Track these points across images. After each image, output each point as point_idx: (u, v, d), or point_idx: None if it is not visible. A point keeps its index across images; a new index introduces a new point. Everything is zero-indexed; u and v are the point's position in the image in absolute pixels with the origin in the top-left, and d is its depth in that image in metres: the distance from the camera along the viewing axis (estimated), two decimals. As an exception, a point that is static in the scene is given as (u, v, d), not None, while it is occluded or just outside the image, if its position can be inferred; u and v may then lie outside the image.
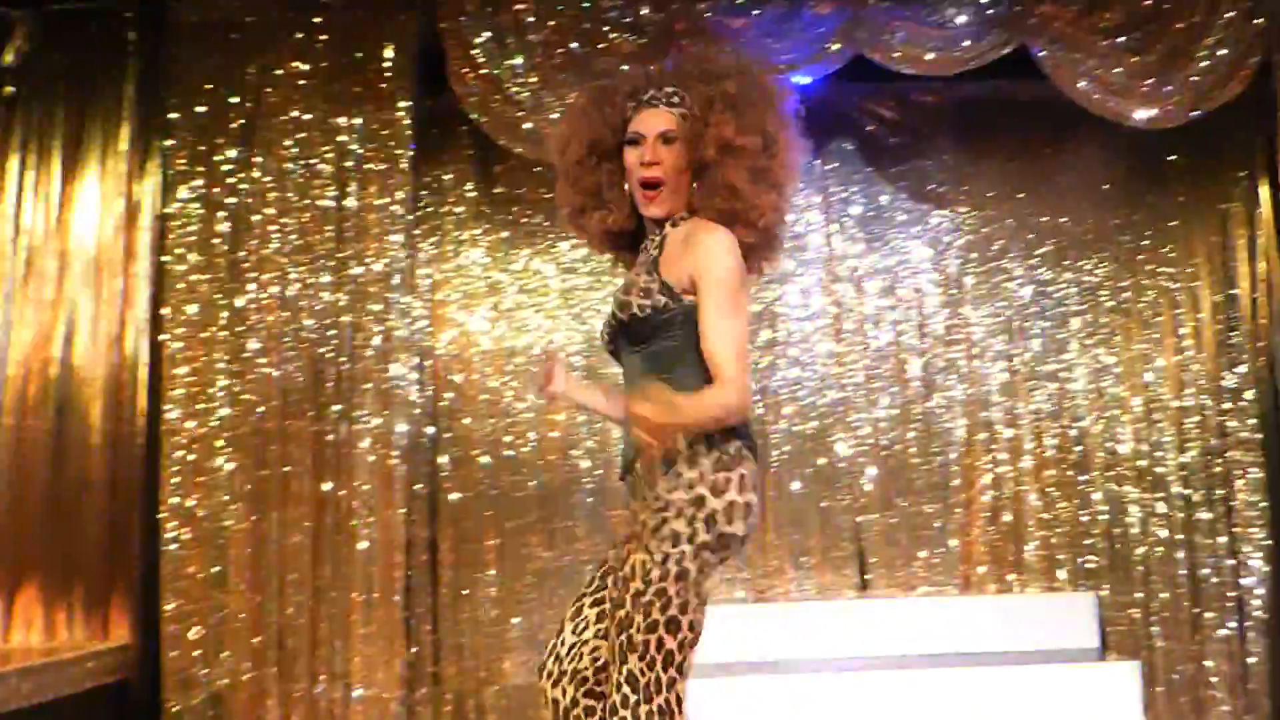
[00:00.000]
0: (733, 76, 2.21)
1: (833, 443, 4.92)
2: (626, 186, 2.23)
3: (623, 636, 2.02)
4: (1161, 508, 4.83)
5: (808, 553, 4.86)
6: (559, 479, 4.86)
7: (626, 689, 1.99)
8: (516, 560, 4.79)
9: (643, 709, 1.98)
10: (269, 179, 4.37)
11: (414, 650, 4.51)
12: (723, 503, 2.03)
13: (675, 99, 2.20)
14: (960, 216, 5.04)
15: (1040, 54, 4.32)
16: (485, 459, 4.83)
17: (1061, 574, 4.86)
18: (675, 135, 2.18)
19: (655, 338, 2.13)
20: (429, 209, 4.90)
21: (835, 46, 4.37)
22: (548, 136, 2.60)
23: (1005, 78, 4.59)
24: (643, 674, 1.98)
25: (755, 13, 4.38)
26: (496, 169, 4.97)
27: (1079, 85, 4.34)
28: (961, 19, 4.36)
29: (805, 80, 4.56)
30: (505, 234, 5.00)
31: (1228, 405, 4.82)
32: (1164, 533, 4.81)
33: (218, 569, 4.19)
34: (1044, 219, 5.06)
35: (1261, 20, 4.31)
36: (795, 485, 4.89)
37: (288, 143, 4.40)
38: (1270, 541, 4.66)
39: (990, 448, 4.95)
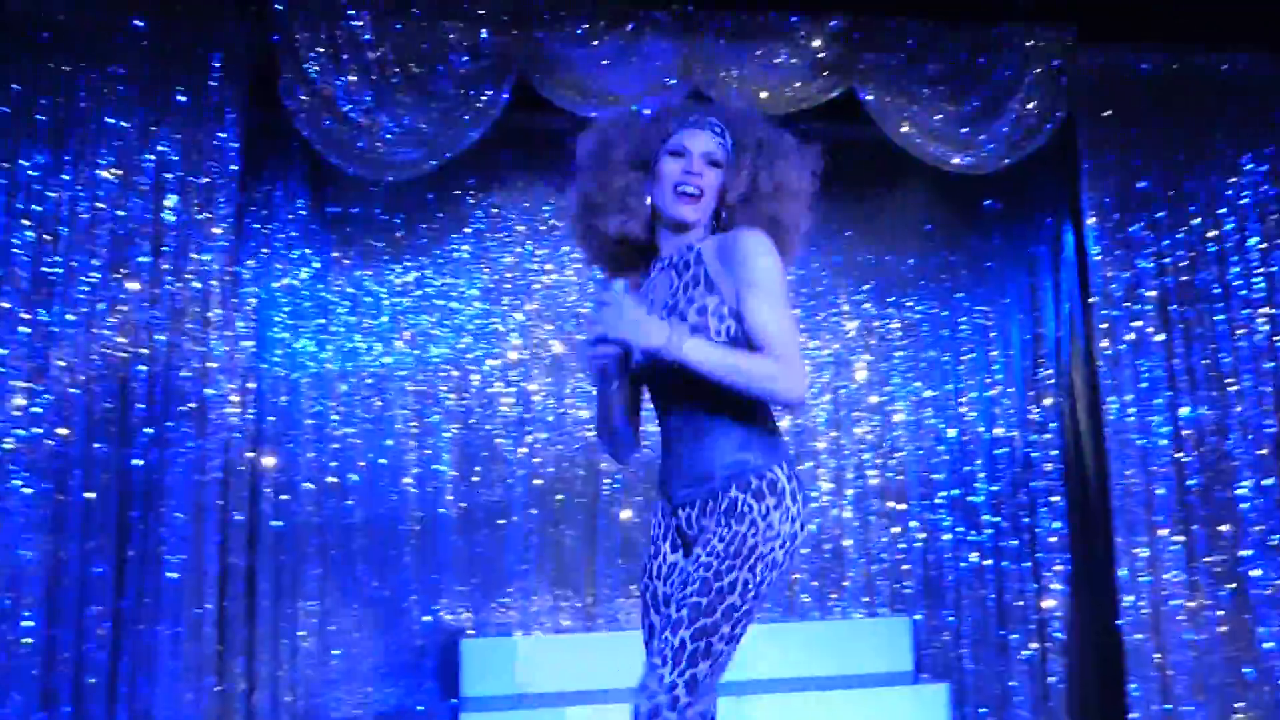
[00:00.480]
0: (780, 138, 2.46)
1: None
2: (649, 199, 2.37)
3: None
4: (973, 535, 5.08)
5: (636, 580, 4.86)
6: (387, 508, 4.74)
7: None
8: (340, 591, 4.64)
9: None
10: (80, 188, 4.12)
11: (224, 686, 4.30)
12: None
13: (719, 130, 2.39)
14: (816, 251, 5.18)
15: (868, 99, 4.51)
16: (309, 486, 4.67)
17: (880, 599, 5.03)
18: (719, 161, 2.35)
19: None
20: (255, 226, 4.72)
21: (672, 81, 4.44)
22: (584, 138, 2.55)
23: (836, 120, 4.75)
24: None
25: (594, 43, 4.41)
26: (329, 188, 4.84)
27: (903, 130, 4.54)
28: (794, 61, 4.51)
29: (647, 111, 4.61)
30: (336, 254, 4.86)
31: (1033, 437, 5.11)
32: (975, 559, 5.05)
33: (9, 602, 3.90)
34: (870, 257, 5.28)
35: (1066, 78, 4.63)
36: (625, 514, 4.90)
37: (103, 150, 4.16)
38: (1069, 567, 4.95)
39: (816, 477, 5.09)
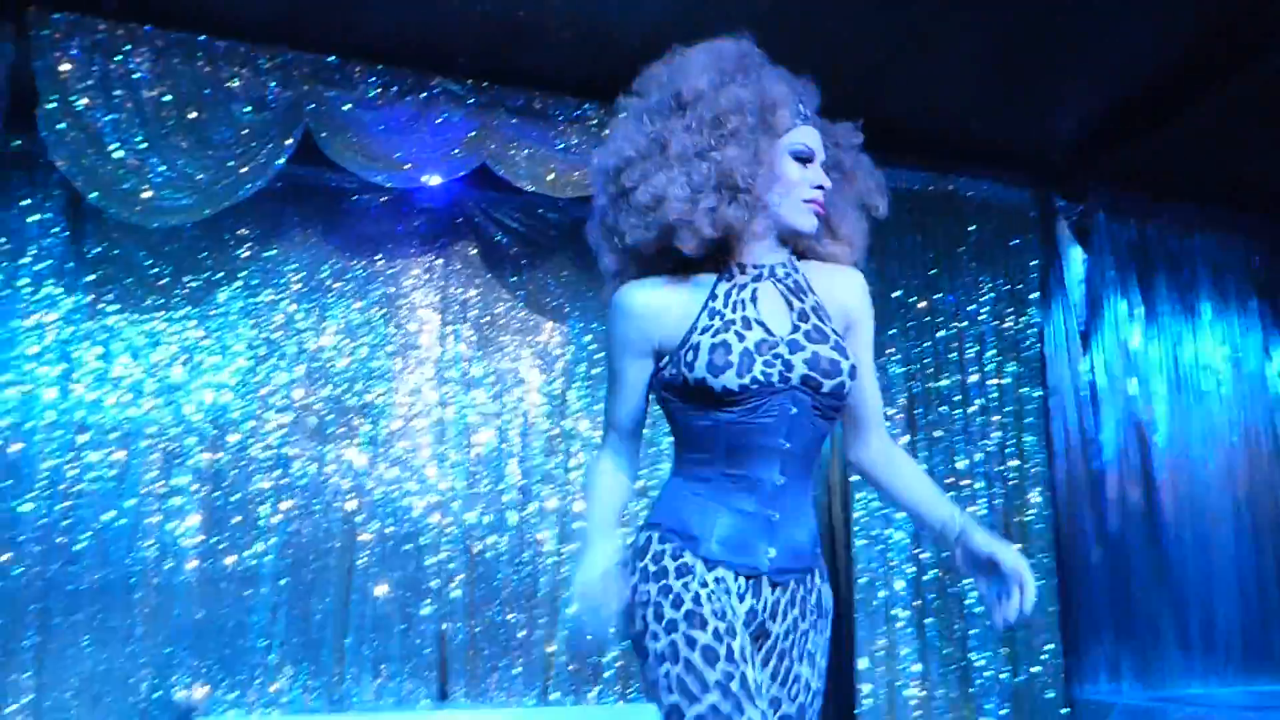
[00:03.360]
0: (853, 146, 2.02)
1: (424, 547, 4.85)
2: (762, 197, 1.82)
3: None
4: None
5: (388, 659, 4.70)
6: (121, 572, 4.40)
7: None
8: (59, 663, 4.25)
9: None
10: None
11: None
12: None
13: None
14: (571, 331, 5.24)
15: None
16: (35, 546, 4.29)
17: (635, 685, 5.04)
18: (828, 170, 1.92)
19: (837, 419, 1.90)
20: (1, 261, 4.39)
21: (462, 154, 4.46)
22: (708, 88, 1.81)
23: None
24: None
25: (387, 108, 4.38)
26: (89, 225, 4.55)
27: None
28: (585, 147, 4.62)
29: (433, 181, 4.62)
30: (90, 297, 4.56)
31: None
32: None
33: None
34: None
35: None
36: (381, 590, 4.74)
37: None
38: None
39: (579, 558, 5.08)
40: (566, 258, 5.22)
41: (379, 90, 4.40)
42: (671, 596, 1.75)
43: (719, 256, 1.85)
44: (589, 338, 5.24)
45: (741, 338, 1.78)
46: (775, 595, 1.82)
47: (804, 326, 1.82)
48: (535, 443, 5.11)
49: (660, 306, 1.83)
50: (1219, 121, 4.75)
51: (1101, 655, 5.02)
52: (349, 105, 4.36)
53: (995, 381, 5.10)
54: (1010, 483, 5.06)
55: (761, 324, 1.82)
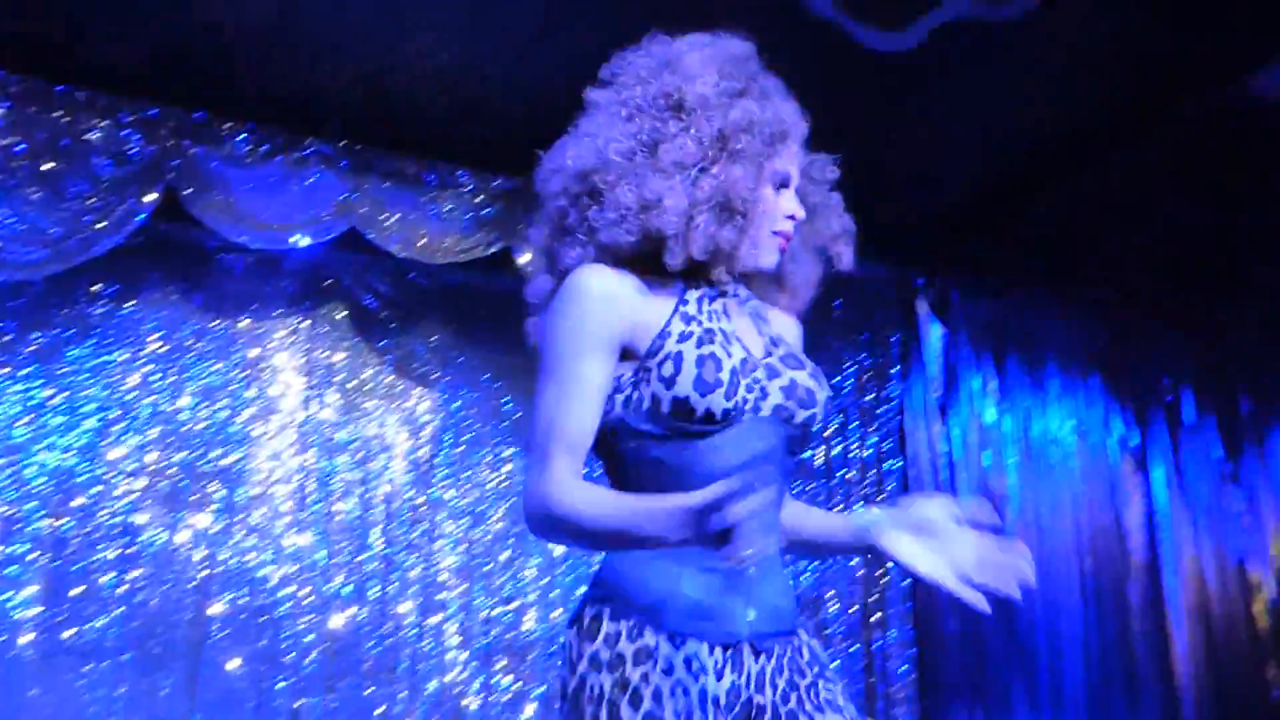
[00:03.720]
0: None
1: (280, 619, 4.67)
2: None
3: None
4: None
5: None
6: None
7: None
8: None
9: None
10: None
11: None
12: None
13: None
14: (439, 398, 5.17)
15: (522, 261, 4.67)
16: None
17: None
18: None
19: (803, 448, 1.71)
20: None
21: (331, 217, 4.41)
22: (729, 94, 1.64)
23: (491, 270, 4.86)
24: None
25: (255, 167, 4.31)
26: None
27: (555, 292, 4.73)
28: (457, 214, 4.63)
29: (302, 243, 4.55)
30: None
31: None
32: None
33: None
34: (517, 410, 5.36)
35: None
36: (233, 663, 4.53)
37: None
38: None
39: (441, 631, 4.97)
40: (437, 322, 5.18)
41: (248, 148, 4.33)
42: (629, 693, 1.45)
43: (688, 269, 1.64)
44: (458, 404, 5.18)
45: (729, 354, 1.56)
46: (760, 665, 1.54)
47: (777, 351, 1.64)
48: (399, 511, 5.00)
49: (634, 296, 1.59)
50: (1067, 208, 5.04)
51: (958, 722, 5.13)
52: (216, 163, 4.27)
53: (856, 454, 5.23)
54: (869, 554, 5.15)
55: (740, 341, 1.62)
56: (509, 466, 5.26)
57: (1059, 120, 4.50)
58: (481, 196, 4.66)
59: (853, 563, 5.13)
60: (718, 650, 1.51)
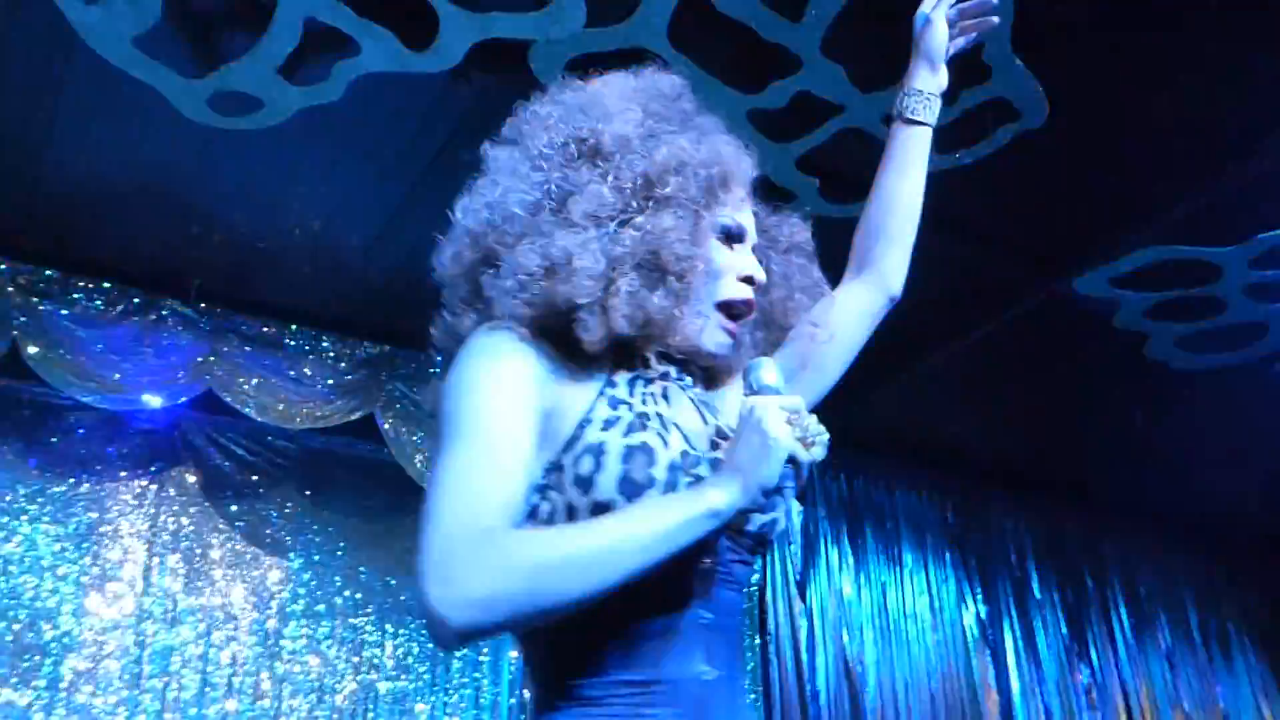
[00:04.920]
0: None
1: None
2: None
3: None
4: None
5: None
6: None
7: None
8: None
9: None
10: None
11: None
12: None
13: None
14: (291, 566, 4.98)
15: (385, 427, 4.62)
16: None
17: None
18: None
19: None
20: None
21: (186, 379, 4.31)
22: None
23: (357, 437, 4.78)
24: None
25: (107, 327, 4.20)
26: None
27: (416, 462, 4.67)
28: (319, 379, 4.57)
29: (156, 402, 4.42)
30: None
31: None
32: None
33: None
34: (373, 580, 5.19)
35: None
36: None
37: None
38: None
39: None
40: (293, 488, 5.02)
41: (101, 307, 4.22)
42: None
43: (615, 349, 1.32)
44: (309, 574, 4.99)
45: (665, 443, 1.23)
46: None
47: (724, 444, 1.27)
48: (243, 687, 4.74)
49: (550, 369, 1.27)
50: (920, 389, 5.26)
51: None
52: (65, 320, 4.15)
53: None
54: (732, 729, 5.09)
55: (680, 429, 1.28)
56: (361, 638, 5.07)
57: (910, 305, 4.71)
58: (344, 362, 4.62)
59: None
60: None
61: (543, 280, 1.24)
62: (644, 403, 1.28)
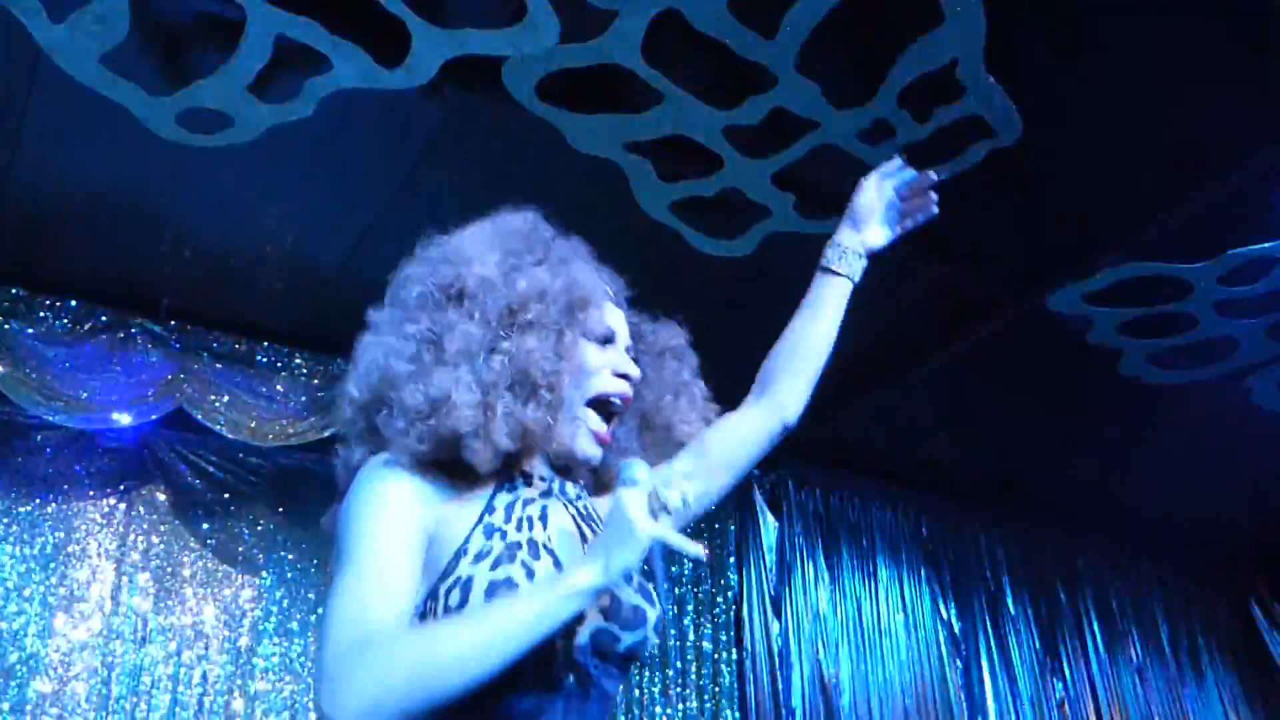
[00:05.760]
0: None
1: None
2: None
3: None
4: None
5: None
6: None
7: None
8: None
9: None
10: None
11: None
12: None
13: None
14: (263, 583, 4.92)
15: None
16: None
17: None
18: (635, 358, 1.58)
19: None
20: None
21: (156, 397, 4.25)
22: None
23: (327, 453, 4.74)
24: None
25: (75, 345, 4.15)
26: None
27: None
28: (292, 395, 4.53)
29: (125, 420, 4.36)
30: None
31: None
32: None
33: None
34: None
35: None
36: None
37: None
38: None
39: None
40: (266, 506, 4.97)
41: (68, 325, 4.16)
42: None
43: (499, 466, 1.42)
44: (281, 592, 4.93)
45: (530, 573, 1.31)
46: None
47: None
48: (214, 707, 4.67)
49: (435, 496, 1.38)
50: (895, 404, 5.27)
51: None
52: (32, 338, 4.09)
53: (693, 643, 5.19)
54: (708, 746, 5.08)
55: (552, 553, 1.36)
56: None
57: (887, 324, 4.75)
58: (317, 379, 4.58)
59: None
60: None
61: (429, 418, 1.36)
62: (519, 529, 1.37)
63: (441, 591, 1.30)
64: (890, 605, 5.81)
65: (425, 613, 1.30)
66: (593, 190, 3.74)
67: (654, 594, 1.43)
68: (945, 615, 5.99)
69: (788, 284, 4.50)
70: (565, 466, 1.51)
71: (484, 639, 1.19)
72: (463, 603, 1.27)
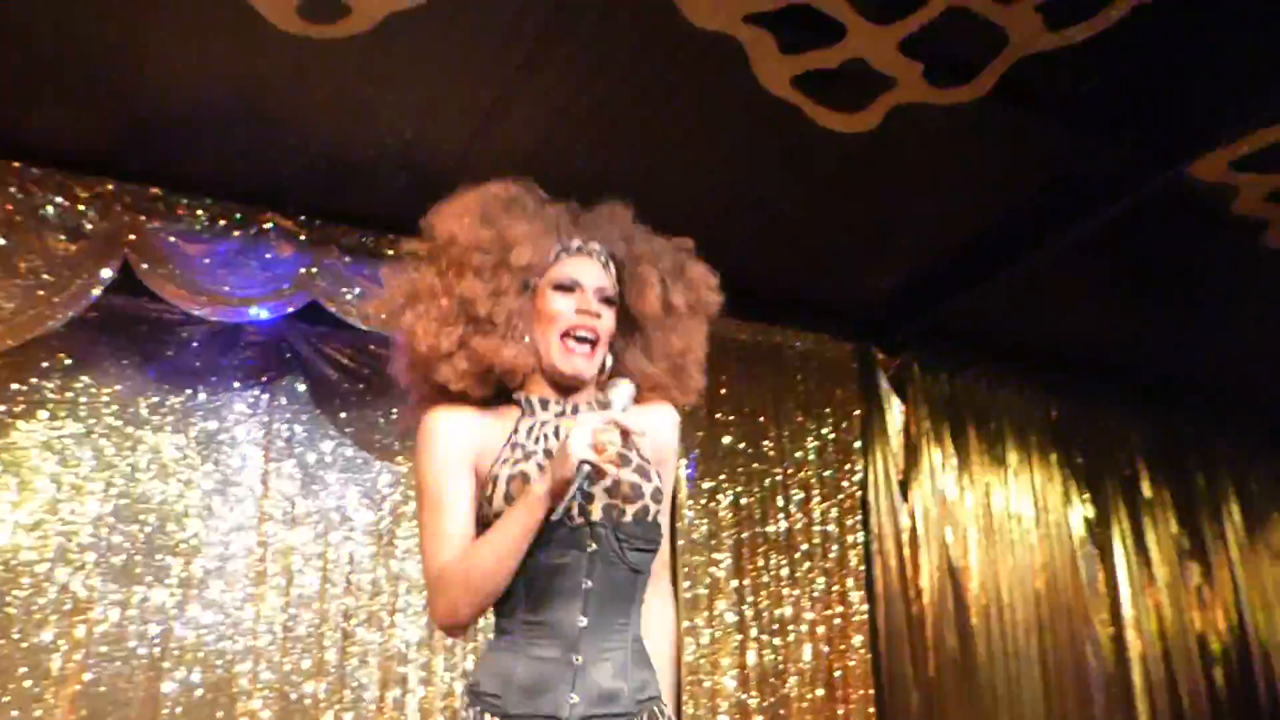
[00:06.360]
0: (670, 251, 2.01)
1: (236, 694, 4.58)
2: (527, 337, 1.87)
3: None
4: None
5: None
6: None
7: None
8: None
9: None
10: None
11: None
12: None
13: (603, 256, 1.96)
14: (400, 471, 5.13)
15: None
16: None
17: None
18: (611, 298, 1.93)
19: (654, 552, 1.84)
20: None
21: (291, 290, 4.40)
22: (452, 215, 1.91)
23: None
24: None
25: (212, 242, 4.30)
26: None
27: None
28: (418, 286, 4.62)
29: (262, 315, 4.53)
30: None
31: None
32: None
33: None
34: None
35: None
36: (186, 742, 4.44)
37: None
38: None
39: (402, 703, 4.89)
40: (398, 395, 5.11)
41: (205, 223, 4.32)
42: None
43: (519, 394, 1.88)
44: (411, 478, 5.11)
45: (542, 469, 1.73)
46: None
47: (597, 485, 1.75)
48: (360, 584, 4.94)
49: (473, 428, 1.83)
50: (1023, 284, 5.10)
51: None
52: (172, 237, 4.26)
53: (819, 527, 5.23)
54: (834, 626, 5.14)
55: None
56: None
57: (1016, 199, 4.57)
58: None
59: (815, 634, 5.09)
60: None
61: (408, 355, 1.90)
62: (535, 442, 1.81)
63: (486, 492, 1.77)
64: (1020, 490, 5.72)
65: (480, 506, 1.78)
66: (710, 68, 3.65)
67: (651, 472, 1.81)
68: (1077, 501, 5.87)
69: (914, 160, 4.37)
70: (573, 388, 1.88)
71: (497, 548, 1.70)
72: (492, 490, 1.76)
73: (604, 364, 1.91)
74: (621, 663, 1.76)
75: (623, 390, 1.76)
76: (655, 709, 1.79)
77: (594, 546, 1.73)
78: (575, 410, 1.86)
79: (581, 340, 1.86)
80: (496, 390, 1.88)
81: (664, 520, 1.86)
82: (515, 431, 1.82)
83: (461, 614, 1.72)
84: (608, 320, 1.90)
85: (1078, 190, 4.43)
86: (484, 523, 1.77)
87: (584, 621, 1.73)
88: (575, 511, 1.71)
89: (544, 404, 1.87)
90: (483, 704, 1.74)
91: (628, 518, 1.76)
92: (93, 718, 4.33)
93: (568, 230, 1.95)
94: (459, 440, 1.80)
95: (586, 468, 1.63)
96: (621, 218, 2.01)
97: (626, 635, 1.78)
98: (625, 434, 1.69)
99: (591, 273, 1.92)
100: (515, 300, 1.85)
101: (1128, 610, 5.74)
